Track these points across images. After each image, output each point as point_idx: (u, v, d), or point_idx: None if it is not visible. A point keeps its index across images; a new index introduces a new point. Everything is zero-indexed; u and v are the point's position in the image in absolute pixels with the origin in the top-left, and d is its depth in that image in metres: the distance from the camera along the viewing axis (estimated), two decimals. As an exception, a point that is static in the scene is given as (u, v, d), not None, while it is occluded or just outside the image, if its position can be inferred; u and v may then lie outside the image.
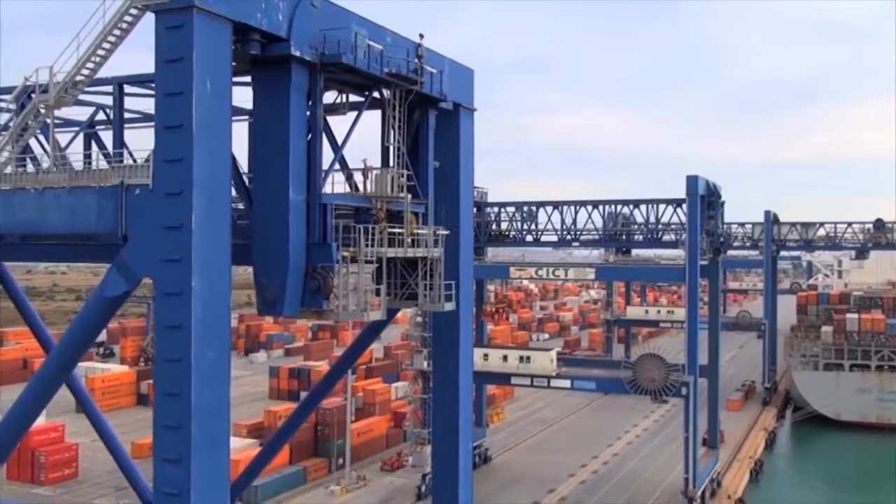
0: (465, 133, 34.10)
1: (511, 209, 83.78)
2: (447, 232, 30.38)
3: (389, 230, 27.48)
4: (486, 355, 77.77)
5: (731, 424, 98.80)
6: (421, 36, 29.66)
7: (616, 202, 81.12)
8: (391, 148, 29.12)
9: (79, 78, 23.39)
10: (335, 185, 28.40)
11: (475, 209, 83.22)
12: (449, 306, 29.84)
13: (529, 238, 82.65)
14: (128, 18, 22.55)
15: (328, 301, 25.29)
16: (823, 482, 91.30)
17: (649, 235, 78.34)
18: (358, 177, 29.63)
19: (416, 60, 28.83)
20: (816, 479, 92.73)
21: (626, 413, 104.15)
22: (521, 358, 76.61)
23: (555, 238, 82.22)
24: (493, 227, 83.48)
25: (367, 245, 26.03)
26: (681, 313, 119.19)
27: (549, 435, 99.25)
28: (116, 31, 22.68)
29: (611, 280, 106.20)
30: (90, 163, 26.77)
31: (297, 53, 24.47)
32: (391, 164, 29.29)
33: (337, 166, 28.45)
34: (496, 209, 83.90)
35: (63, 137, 33.05)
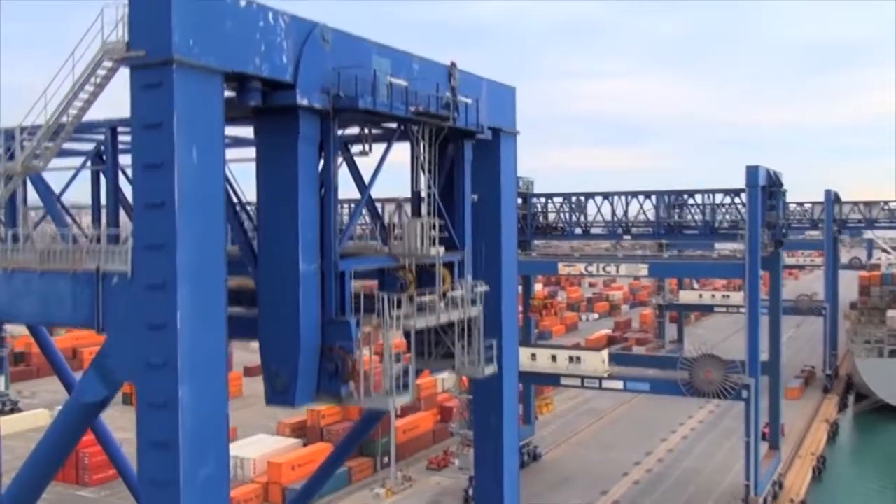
0: (506, 161, 30.00)
1: (559, 200, 79.24)
2: (486, 288, 26.37)
3: (419, 294, 23.62)
4: (533, 355, 73.84)
5: (791, 415, 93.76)
6: (453, 65, 25.48)
7: (669, 192, 76.03)
8: (422, 192, 25.19)
9: (49, 142, 19.74)
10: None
11: (520, 200, 78.98)
12: (490, 370, 25.99)
13: (578, 230, 78.10)
14: (101, 72, 18.80)
15: (347, 385, 21.61)
16: (891, 480, 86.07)
17: (705, 228, 73.25)
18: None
19: (448, 93, 24.70)
20: (883, 476, 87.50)
21: (679, 403, 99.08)
22: (571, 358, 72.52)
23: (604, 231, 77.63)
24: (541, 219, 79.05)
25: (392, 317, 22.17)
26: (736, 297, 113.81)
27: (601, 428, 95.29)
28: (89, 87, 18.94)
29: (665, 277, 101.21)
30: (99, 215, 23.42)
31: (305, 102, 20.53)
32: (422, 209, 25.42)
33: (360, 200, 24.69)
34: (543, 200, 79.42)
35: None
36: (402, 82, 22.87)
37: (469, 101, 25.75)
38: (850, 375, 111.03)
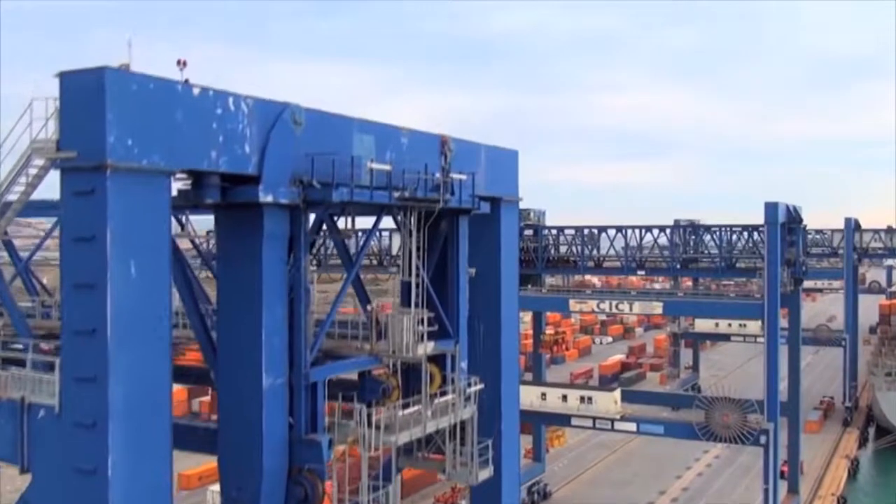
0: (507, 230, 27.30)
1: (570, 232, 76.30)
2: (481, 386, 23.62)
3: (404, 403, 20.92)
4: (543, 394, 71.07)
5: (810, 450, 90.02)
6: (444, 141, 22.83)
7: (684, 226, 73.01)
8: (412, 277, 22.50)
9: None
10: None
11: (531, 232, 76.09)
12: (484, 475, 23.20)
13: (590, 264, 75.08)
14: (32, 171, 16.26)
15: (319, 513, 18.94)
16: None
17: (722, 263, 70.08)
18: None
19: (440, 174, 22.02)
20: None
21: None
22: (583, 398, 69.64)
23: (618, 264, 74.58)
24: (552, 251, 76.05)
25: (371, 432, 19.48)
26: (753, 326, 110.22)
27: (614, 463, 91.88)
28: (19, 187, 16.41)
29: (679, 315, 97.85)
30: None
31: (270, 198, 17.89)
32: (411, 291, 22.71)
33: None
34: (554, 232, 76.48)
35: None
36: (386, 166, 20.23)
37: (463, 177, 23.08)
38: (871, 407, 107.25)
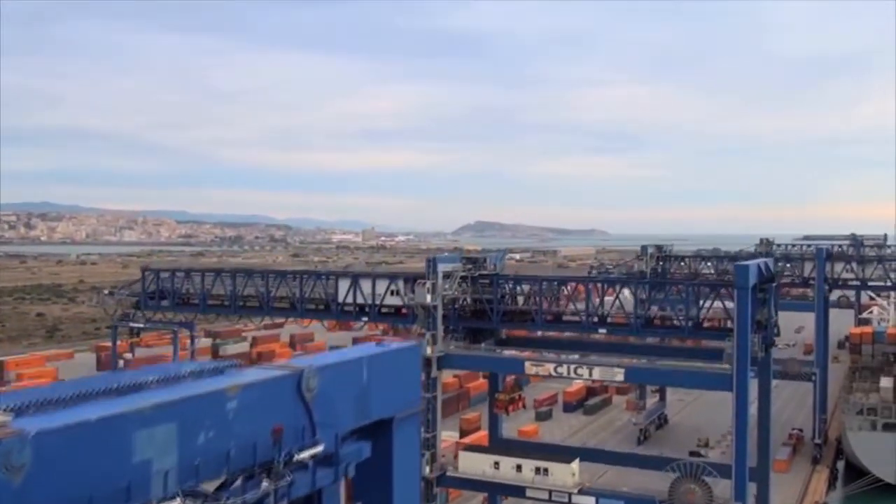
0: (403, 455, 20.27)
1: (527, 285, 69.43)
2: None
3: None
4: (496, 463, 64.60)
5: (779, 494, 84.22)
6: (299, 386, 15.72)
7: (648, 282, 66.46)
8: None
9: None
10: None
11: (486, 282, 69.12)
12: None
13: (549, 318, 68.30)
14: None
15: None
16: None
17: (689, 323, 63.55)
18: None
19: (277, 462, 14.96)
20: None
21: (661, 479, 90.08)
22: (538, 469, 63.22)
23: (578, 319, 67.86)
24: (508, 302, 69.15)
25: None
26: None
27: None
28: None
29: (643, 383, 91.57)
30: None
31: None
32: None
33: None
34: (510, 284, 69.54)
35: None
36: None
37: (318, 449, 16.05)
38: (839, 440, 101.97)
